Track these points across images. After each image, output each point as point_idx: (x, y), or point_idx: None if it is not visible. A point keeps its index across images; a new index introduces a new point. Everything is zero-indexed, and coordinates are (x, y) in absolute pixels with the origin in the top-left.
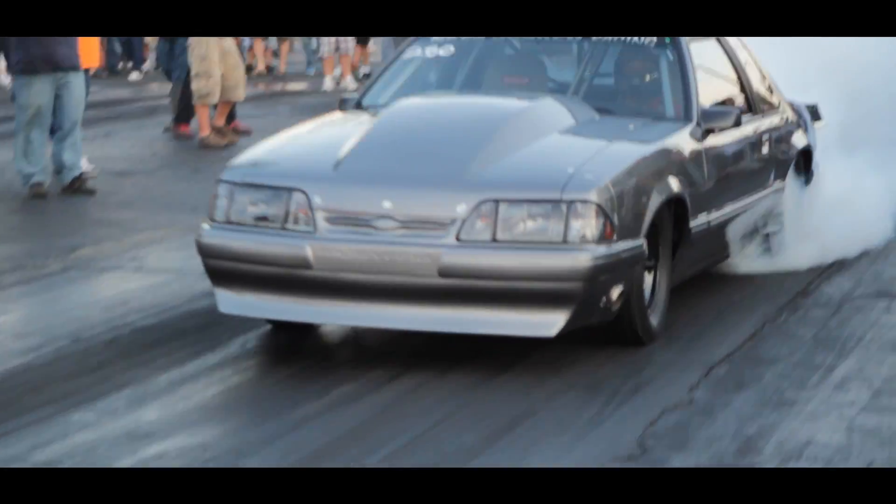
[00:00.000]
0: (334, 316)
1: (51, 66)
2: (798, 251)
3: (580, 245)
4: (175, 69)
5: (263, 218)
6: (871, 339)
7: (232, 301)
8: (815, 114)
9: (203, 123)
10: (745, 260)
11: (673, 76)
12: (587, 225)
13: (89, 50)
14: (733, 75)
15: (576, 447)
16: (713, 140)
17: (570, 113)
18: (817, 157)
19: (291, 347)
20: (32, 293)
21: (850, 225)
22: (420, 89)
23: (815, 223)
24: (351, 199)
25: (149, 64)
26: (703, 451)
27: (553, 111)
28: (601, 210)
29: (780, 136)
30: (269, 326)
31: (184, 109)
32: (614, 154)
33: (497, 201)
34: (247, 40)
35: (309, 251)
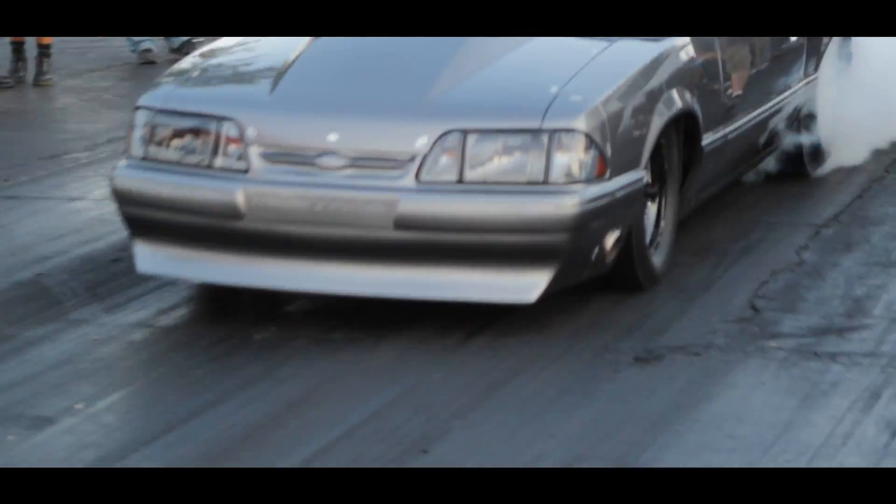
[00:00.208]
0: (267, 278)
1: None
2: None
3: (566, 186)
4: None
5: (189, 153)
6: None
7: (150, 259)
8: None
9: None
10: None
11: None
12: (574, 160)
13: None
14: None
15: (688, 310)
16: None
17: None
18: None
19: (219, 311)
20: None
21: None
22: None
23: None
24: (290, 131)
25: None
26: (812, 312)
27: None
28: (591, 140)
29: None
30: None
31: None
32: (606, 66)
33: (465, 132)
34: None
35: (240, 197)
